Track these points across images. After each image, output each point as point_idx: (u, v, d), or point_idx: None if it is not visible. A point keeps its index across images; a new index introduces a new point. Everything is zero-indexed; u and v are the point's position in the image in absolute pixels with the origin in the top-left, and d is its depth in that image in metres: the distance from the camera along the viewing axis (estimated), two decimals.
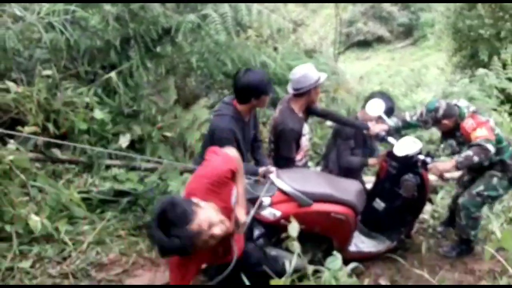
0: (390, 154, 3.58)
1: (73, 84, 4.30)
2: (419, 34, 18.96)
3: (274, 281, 2.31)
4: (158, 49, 4.84)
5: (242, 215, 2.36)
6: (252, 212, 2.70)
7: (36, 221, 3.19)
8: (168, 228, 1.84)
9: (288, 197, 3.04)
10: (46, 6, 4.09)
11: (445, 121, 3.38)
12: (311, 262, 2.99)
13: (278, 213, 2.94)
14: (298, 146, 3.62)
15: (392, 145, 3.49)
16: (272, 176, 3.06)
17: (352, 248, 3.51)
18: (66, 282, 3.10)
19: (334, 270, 2.47)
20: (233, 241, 2.27)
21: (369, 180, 4.24)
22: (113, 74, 4.39)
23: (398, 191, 3.55)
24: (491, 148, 3.15)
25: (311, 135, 5.40)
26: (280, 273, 2.20)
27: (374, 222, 3.75)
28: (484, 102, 6.23)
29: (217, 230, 1.98)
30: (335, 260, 2.49)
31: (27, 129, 3.62)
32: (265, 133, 4.88)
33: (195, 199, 2.01)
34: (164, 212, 1.87)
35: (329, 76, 6.39)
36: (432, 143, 5.57)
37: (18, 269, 3.09)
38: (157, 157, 4.35)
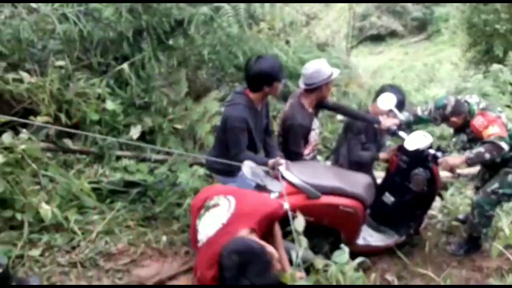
0: (401, 148, 3.57)
1: (86, 75, 4.33)
2: (433, 28, 18.73)
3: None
4: (171, 41, 4.86)
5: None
6: None
7: (46, 210, 3.23)
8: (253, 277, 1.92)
9: (297, 189, 3.04)
10: None
11: (454, 119, 3.35)
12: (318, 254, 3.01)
13: (287, 205, 2.95)
14: (306, 141, 3.61)
15: (402, 139, 3.48)
16: (281, 168, 3.06)
17: (360, 241, 3.51)
18: (74, 271, 3.15)
19: (341, 264, 2.48)
20: None
21: (379, 176, 4.23)
22: (125, 66, 4.41)
23: (408, 185, 3.54)
24: (505, 146, 3.11)
25: (321, 129, 5.38)
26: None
27: (383, 216, 3.74)
28: (498, 99, 6.15)
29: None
30: (342, 253, 2.50)
31: (40, 119, 3.66)
32: (275, 127, 4.88)
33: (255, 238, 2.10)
34: (247, 264, 1.93)
35: (341, 70, 6.36)
36: (443, 139, 5.53)
37: (28, 257, 3.14)
38: (167, 148, 4.37)
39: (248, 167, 2.85)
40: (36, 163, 3.51)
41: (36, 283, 2.94)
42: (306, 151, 3.63)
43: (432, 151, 3.40)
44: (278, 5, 5.20)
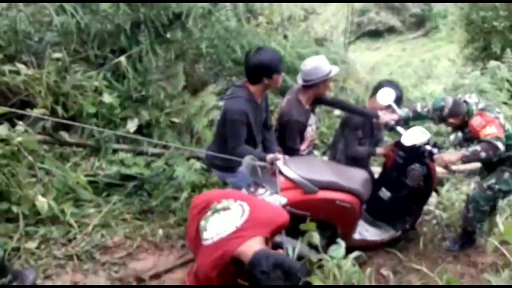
0: (398, 144, 3.57)
1: (83, 67, 4.32)
2: (431, 25, 18.69)
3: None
4: (168, 34, 4.84)
5: None
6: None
7: (42, 203, 3.23)
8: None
9: (294, 184, 3.05)
10: None
11: (451, 120, 3.37)
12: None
13: (284, 200, 2.95)
14: (302, 137, 3.60)
15: (400, 135, 3.48)
16: (279, 163, 3.06)
17: (356, 236, 3.53)
18: (70, 264, 3.15)
19: (338, 259, 2.49)
20: None
21: (376, 171, 4.24)
22: (122, 59, 4.39)
23: (404, 181, 3.55)
24: (501, 146, 3.13)
25: (318, 124, 5.38)
26: None
27: (379, 211, 3.76)
28: (495, 96, 6.15)
29: None
30: (339, 248, 2.51)
31: (36, 111, 3.65)
32: (272, 121, 4.88)
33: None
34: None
35: (338, 66, 6.35)
36: (440, 135, 5.54)
37: (24, 249, 3.15)
38: (164, 142, 4.37)
39: (247, 163, 2.85)
40: (33, 156, 3.50)
41: (32, 276, 2.94)
42: (302, 147, 3.63)
43: (429, 147, 3.40)
44: None
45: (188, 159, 4.34)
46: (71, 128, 4.09)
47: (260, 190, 2.86)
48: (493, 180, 3.40)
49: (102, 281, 3.10)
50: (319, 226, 3.19)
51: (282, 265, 1.95)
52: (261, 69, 3.06)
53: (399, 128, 3.53)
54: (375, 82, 4.54)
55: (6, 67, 3.89)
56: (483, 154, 3.14)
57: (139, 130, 4.41)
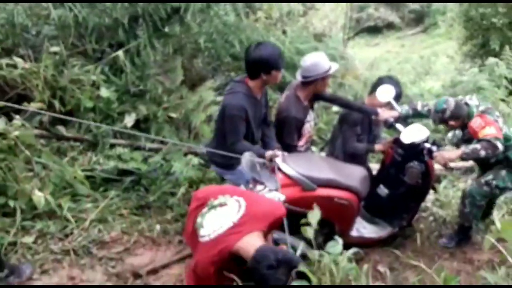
0: (397, 141, 3.57)
1: (80, 61, 4.30)
2: (430, 21, 18.67)
3: None
4: (166, 28, 4.82)
5: None
6: None
7: (39, 197, 3.23)
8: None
9: (292, 181, 3.04)
10: None
11: (452, 122, 3.39)
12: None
13: (283, 197, 2.95)
14: (300, 133, 3.59)
15: (399, 132, 3.48)
16: (278, 160, 3.06)
17: (354, 233, 3.53)
18: (67, 259, 3.15)
19: (334, 255, 2.49)
20: None
21: (374, 167, 4.24)
22: (120, 53, 4.37)
23: (402, 178, 3.55)
24: (500, 146, 3.17)
25: (317, 121, 5.37)
26: None
27: (377, 208, 3.76)
28: (493, 93, 6.15)
29: None
30: (336, 244, 2.51)
31: (33, 105, 3.63)
32: (271, 117, 4.88)
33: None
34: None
35: (337, 61, 6.33)
36: (438, 132, 5.54)
37: (20, 244, 3.15)
38: (161, 137, 4.36)
39: (247, 160, 2.84)
40: (30, 150, 3.50)
41: (28, 270, 2.94)
42: (300, 143, 3.62)
43: (427, 145, 3.41)
44: None
45: (185, 154, 4.34)
46: (68, 123, 4.07)
47: (259, 187, 2.85)
48: (490, 176, 3.43)
49: (99, 276, 3.10)
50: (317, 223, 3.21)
51: (289, 262, 1.95)
52: (260, 64, 3.04)
53: (398, 126, 3.52)
54: (373, 78, 4.53)
55: (3, 61, 3.87)
56: (482, 153, 3.17)
57: (137, 124, 4.40)
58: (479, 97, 3.72)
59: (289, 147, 3.48)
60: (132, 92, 4.48)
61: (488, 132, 3.19)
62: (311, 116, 3.67)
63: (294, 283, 2.08)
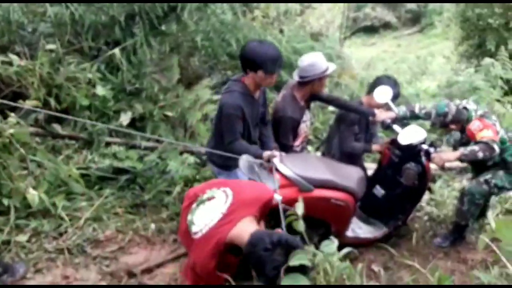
0: (394, 142, 3.57)
1: (76, 59, 4.28)
2: (426, 21, 18.74)
3: None
4: (163, 26, 4.80)
5: None
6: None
7: (33, 196, 3.21)
8: None
9: (289, 182, 3.04)
10: None
11: (453, 126, 3.45)
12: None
13: (279, 198, 2.95)
14: (296, 133, 3.59)
15: (396, 133, 3.48)
16: (276, 161, 3.05)
17: (349, 233, 3.53)
18: (61, 257, 3.14)
19: (328, 254, 2.49)
20: None
21: (370, 167, 4.25)
22: (116, 51, 4.36)
23: (399, 179, 3.56)
24: (496, 148, 3.23)
25: (313, 120, 5.37)
26: None
27: (372, 208, 3.77)
28: (489, 93, 6.18)
29: None
30: (330, 244, 2.52)
31: (29, 103, 3.61)
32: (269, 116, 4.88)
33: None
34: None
35: (334, 61, 6.33)
36: (433, 132, 5.56)
37: (14, 242, 3.13)
38: (157, 136, 4.34)
39: (245, 161, 2.84)
40: (24, 148, 3.48)
41: (22, 269, 2.93)
42: (296, 143, 3.62)
43: (425, 147, 3.42)
44: None
45: (181, 153, 4.33)
46: (63, 121, 4.06)
47: None
48: (489, 175, 3.49)
49: (93, 275, 3.09)
50: (312, 223, 3.21)
51: (285, 243, 1.92)
52: (246, 59, 2.98)
53: (395, 127, 3.53)
54: (370, 78, 4.53)
55: None
56: (480, 154, 3.22)
57: (133, 123, 4.39)
58: (475, 99, 3.76)
59: (284, 147, 3.47)
60: (128, 90, 4.46)
61: (486, 134, 3.25)
62: (307, 116, 3.66)
63: (287, 279, 2.09)
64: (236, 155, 2.90)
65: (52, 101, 3.91)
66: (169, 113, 4.58)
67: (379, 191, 3.70)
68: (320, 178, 3.13)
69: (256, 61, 2.94)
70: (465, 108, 3.42)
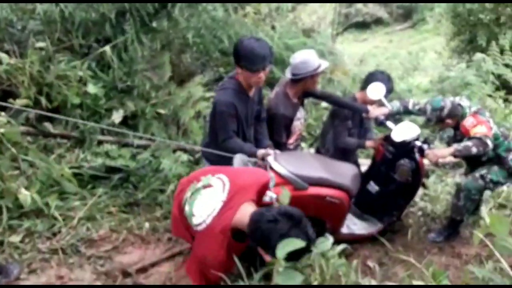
0: (387, 139, 3.58)
1: (67, 57, 4.24)
2: (418, 17, 18.78)
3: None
4: (154, 23, 4.77)
5: None
6: None
7: (26, 196, 3.18)
8: None
9: (284, 180, 3.03)
10: None
11: (449, 121, 3.44)
12: None
13: (274, 196, 2.95)
14: (289, 131, 3.58)
15: (389, 130, 3.48)
16: (270, 159, 3.04)
17: (344, 230, 3.54)
18: (55, 258, 3.11)
19: (324, 251, 2.49)
20: None
21: (364, 163, 4.25)
22: (107, 48, 4.32)
23: (393, 176, 3.57)
24: (490, 144, 3.27)
25: (306, 117, 5.37)
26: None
27: (367, 204, 3.77)
28: (480, 88, 6.20)
29: None
30: (325, 241, 2.51)
31: (19, 102, 3.57)
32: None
33: None
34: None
35: (326, 57, 6.32)
36: (426, 128, 5.57)
37: (7, 243, 3.11)
38: (150, 134, 4.32)
39: (239, 159, 2.83)
40: (16, 148, 3.45)
41: (16, 270, 2.90)
42: (290, 141, 3.62)
43: (418, 143, 3.43)
44: None
45: (174, 151, 4.31)
46: (55, 119, 4.02)
47: None
48: (485, 171, 3.51)
49: (87, 275, 3.07)
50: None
51: (286, 213, 1.93)
52: (234, 55, 2.95)
53: (389, 123, 3.53)
54: (362, 74, 4.52)
55: None
56: (474, 150, 3.25)
57: (125, 121, 4.36)
58: (467, 94, 3.77)
59: (278, 145, 3.46)
60: (119, 88, 4.43)
61: (479, 130, 3.28)
62: (301, 113, 3.65)
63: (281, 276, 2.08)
64: (230, 153, 2.89)
65: (43, 100, 3.87)
66: (162, 111, 4.55)
67: (373, 187, 3.70)
68: (315, 176, 3.13)
69: (240, 58, 2.90)
70: (459, 105, 3.45)
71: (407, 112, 3.66)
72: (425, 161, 3.65)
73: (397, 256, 3.25)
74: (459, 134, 3.46)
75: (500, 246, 1.86)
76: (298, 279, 2.03)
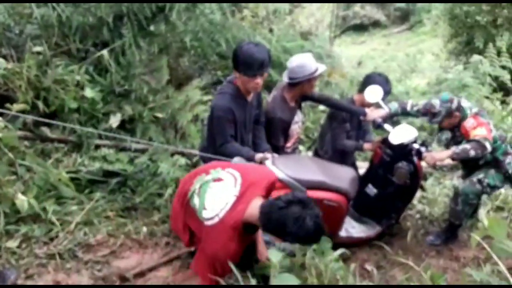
0: (385, 141, 3.58)
1: (64, 61, 4.22)
2: (415, 19, 18.85)
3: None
4: (152, 27, 4.77)
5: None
6: None
7: (23, 201, 3.17)
8: None
9: (282, 184, 3.03)
10: None
11: (457, 113, 3.40)
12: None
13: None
14: (287, 135, 3.58)
15: (387, 132, 3.48)
16: (268, 163, 3.04)
17: (343, 233, 3.54)
18: (52, 263, 3.10)
19: (322, 255, 2.49)
20: None
21: (362, 166, 4.25)
22: (105, 52, 4.31)
23: (391, 178, 3.57)
24: (488, 146, 3.25)
25: (304, 120, 5.37)
26: None
27: (365, 207, 3.77)
28: (477, 90, 6.22)
29: None
30: (324, 244, 2.52)
31: (16, 106, 3.56)
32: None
33: None
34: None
35: (324, 60, 6.34)
36: (423, 130, 5.58)
37: (4, 248, 3.09)
38: (148, 138, 4.31)
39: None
40: (13, 152, 3.44)
41: (13, 276, 2.89)
42: (288, 144, 3.62)
43: (416, 146, 3.44)
44: None
45: (172, 155, 4.30)
46: (52, 124, 4.00)
47: None
48: (482, 175, 3.50)
49: (85, 280, 3.06)
50: None
51: (294, 198, 2.02)
52: (232, 60, 2.98)
53: (387, 126, 3.53)
54: (360, 77, 4.52)
55: None
56: (472, 152, 3.24)
57: (122, 125, 4.35)
58: (464, 96, 3.77)
59: (275, 148, 3.46)
60: (117, 92, 4.41)
61: (479, 132, 3.28)
62: (299, 117, 3.65)
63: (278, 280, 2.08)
64: (228, 158, 2.89)
65: (40, 104, 3.85)
66: (159, 115, 4.54)
67: (371, 190, 3.71)
68: (313, 179, 3.13)
69: (239, 63, 2.92)
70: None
71: (405, 113, 3.66)
72: (423, 164, 3.66)
73: (395, 259, 3.26)
74: (459, 136, 3.44)
75: (498, 248, 1.86)
76: (294, 283, 2.04)
